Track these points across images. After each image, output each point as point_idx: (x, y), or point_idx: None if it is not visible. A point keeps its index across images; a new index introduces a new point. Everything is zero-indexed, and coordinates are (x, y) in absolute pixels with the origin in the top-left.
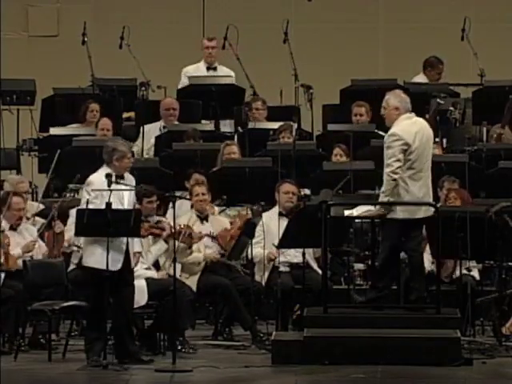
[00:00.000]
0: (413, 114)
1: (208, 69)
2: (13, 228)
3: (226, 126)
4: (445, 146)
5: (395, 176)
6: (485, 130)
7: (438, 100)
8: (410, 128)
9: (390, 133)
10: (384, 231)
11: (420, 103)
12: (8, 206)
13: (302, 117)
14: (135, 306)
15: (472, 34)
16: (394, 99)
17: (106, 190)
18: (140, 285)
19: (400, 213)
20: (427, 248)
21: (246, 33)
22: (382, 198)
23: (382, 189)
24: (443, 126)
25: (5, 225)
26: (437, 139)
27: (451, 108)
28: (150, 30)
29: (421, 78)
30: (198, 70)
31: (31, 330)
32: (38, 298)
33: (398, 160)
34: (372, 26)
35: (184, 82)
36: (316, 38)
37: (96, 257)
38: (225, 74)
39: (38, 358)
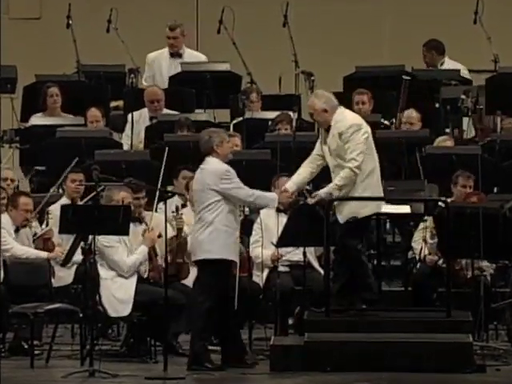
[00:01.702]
0: (342, 107)
1: (172, 55)
2: (17, 229)
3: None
4: (456, 137)
5: (358, 171)
6: (499, 119)
7: (404, 77)
8: (360, 117)
9: (348, 125)
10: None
11: (429, 91)
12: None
13: (303, 106)
14: (117, 316)
15: (485, 17)
16: (319, 101)
17: (91, 184)
18: (128, 294)
19: (367, 209)
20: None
21: (243, 16)
22: (334, 191)
23: (339, 182)
24: (454, 115)
25: (10, 226)
26: (447, 130)
27: (463, 96)
28: (139, 13)
29: (451, 64)
30: (162, 57)
31: (12, 334)
32: (19, 301)
33: (362, 152)
34: (377, 9)
35: (147, 70)
36: (318, 21)
37: (230, 248)
38: (195, 58)
39: (20, 364)
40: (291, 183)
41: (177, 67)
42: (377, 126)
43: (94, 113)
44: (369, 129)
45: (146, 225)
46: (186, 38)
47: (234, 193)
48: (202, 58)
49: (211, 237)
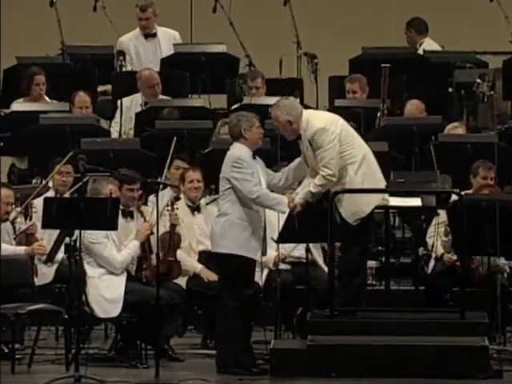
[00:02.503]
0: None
1: (146, 36)
2: None
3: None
4: (470, 124)
5: (333, 179)
6: None
7: (384, 64)
8: (326, 115)
9: (313, 132)
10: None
11: (442, 75)
12: None
13: (306, 91)
14: (105, 317)
15: None
16: (282, 113)
17: (77, 175)
18: (117, 294)
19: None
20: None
21: None
22: (309, 198)
23: (314, 189)
24: (469, 100)
25: None
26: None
27: (478, 80)
28: None
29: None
30: (136, 39)
31: None
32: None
33: (333, 158)
34: None
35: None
36: None
37: (244, 243)
38: (169, 36)
39: (0, 369)
40: (300, 188)
41: (154, 48)
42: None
43: (82, 98)
44: (339, 123)
45: (145, 220)
46: (158, 19)
47: (239, 185)
48: (177, 35)
49: (223, 229)
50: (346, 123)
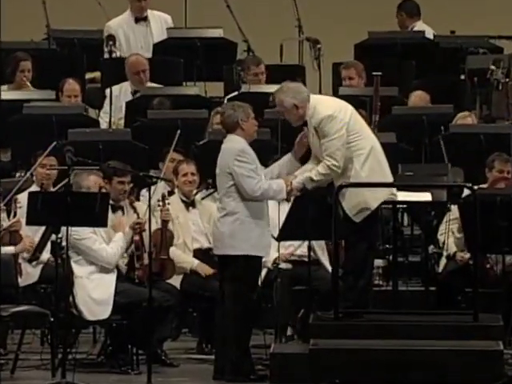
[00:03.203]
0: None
1: (137, 20)
2: None
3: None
4: (484, 114)
5: (337, 170)
6: None
7: (375, 73)
8: (334, 102)
9: (319, 119)
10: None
11: (453, 61)
12: None
13: (308, 78)
14: (94, 319)
15: None
16: (287, 97)
17: (64, 168)
18: (106, 294)
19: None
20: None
21: None
22: (308, 184)
23: (316, 177)
24: (482, 89)
25: None
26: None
27: (492, 67)
28: None
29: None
30: (126, 23)
31: None
32: None
33: (339, 149)
34: None
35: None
36: None
37: (255, 242)
38: (160, 19)
39: None
40: (300, 172)
41: (145, 33)
42: (392, 102)
43: (72, 86)
44: (348, 111)
45: (138, 216)
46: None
47: (242, 181)
48: (169, 19)
49: (233, 229)
50: (356, 111)
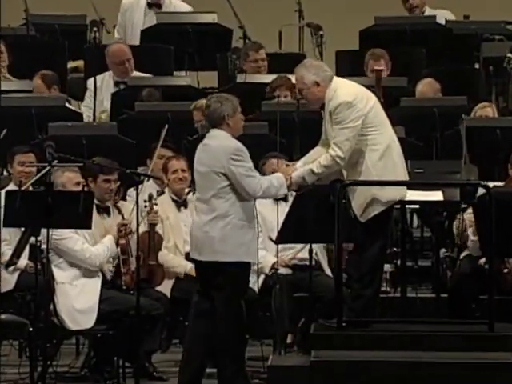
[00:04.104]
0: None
1: (150, 5)
2: None
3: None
4: (501, 106)
5: (341, 162)
6: None
7: (376, 67)
8: (357, 89)
9: (337, 103)
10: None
11: (466, 48)
12: None
13: None
14: (77, 329)
15: None
16: (308, 73)
17: (43, 164)
18: (91, 302)
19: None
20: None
21: None
22: (309, 177)
23: (317, 169)
24: (498, 79)
25: None
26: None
27: (509, 55)
28: None
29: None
30: (137, 6)
31: None
32: None
33: (349, 140)
34: None
35: (120, 21)
36: None
37: (247, 247)
38: (182, 9)
39: None
40: (301, 163)
41: (152, 19)
42: (401, 93)
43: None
44: (370, 102)
45: (123, 218)
46: None
47: (243, 182)
48: (188, 7)
49: (224, 233)
50: (379, 104)
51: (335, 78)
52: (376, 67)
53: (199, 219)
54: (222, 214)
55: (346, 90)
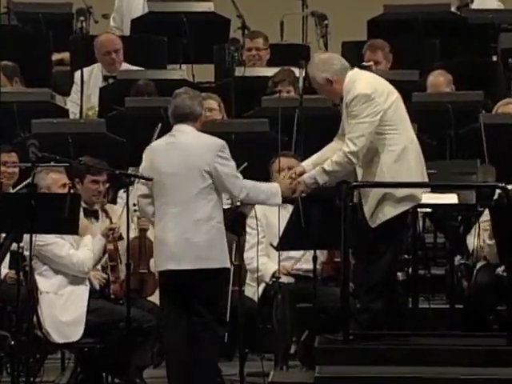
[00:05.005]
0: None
1: None
2: None
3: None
4: None
5: (354, 160)
6: None
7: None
8: (379, 82)
9: (354, 95)
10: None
11: (483, 39)
12: None
13: None
14: (63, 342)
15: None
16: (317, 71)
17: (26, 164)
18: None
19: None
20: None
21: None
22: (320, 177)
23: (328, 167)
24: None
25: None
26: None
27: None
28: None
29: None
30: None
31: None
32: None
33: (364, 136)
34: None
35: (116, 8)
36: None
37: (227, 252)
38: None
39: None
40: (309, 162)
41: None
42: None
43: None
44: (391, 97)
45: (111, 222)
46: None
47: (227, 181)
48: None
49: (211, 239)
50: (401, 101)
51: (357, 70)
52: (369, 59)
53: (174, 225)
54: (206, 216)
55: (365, 82)
